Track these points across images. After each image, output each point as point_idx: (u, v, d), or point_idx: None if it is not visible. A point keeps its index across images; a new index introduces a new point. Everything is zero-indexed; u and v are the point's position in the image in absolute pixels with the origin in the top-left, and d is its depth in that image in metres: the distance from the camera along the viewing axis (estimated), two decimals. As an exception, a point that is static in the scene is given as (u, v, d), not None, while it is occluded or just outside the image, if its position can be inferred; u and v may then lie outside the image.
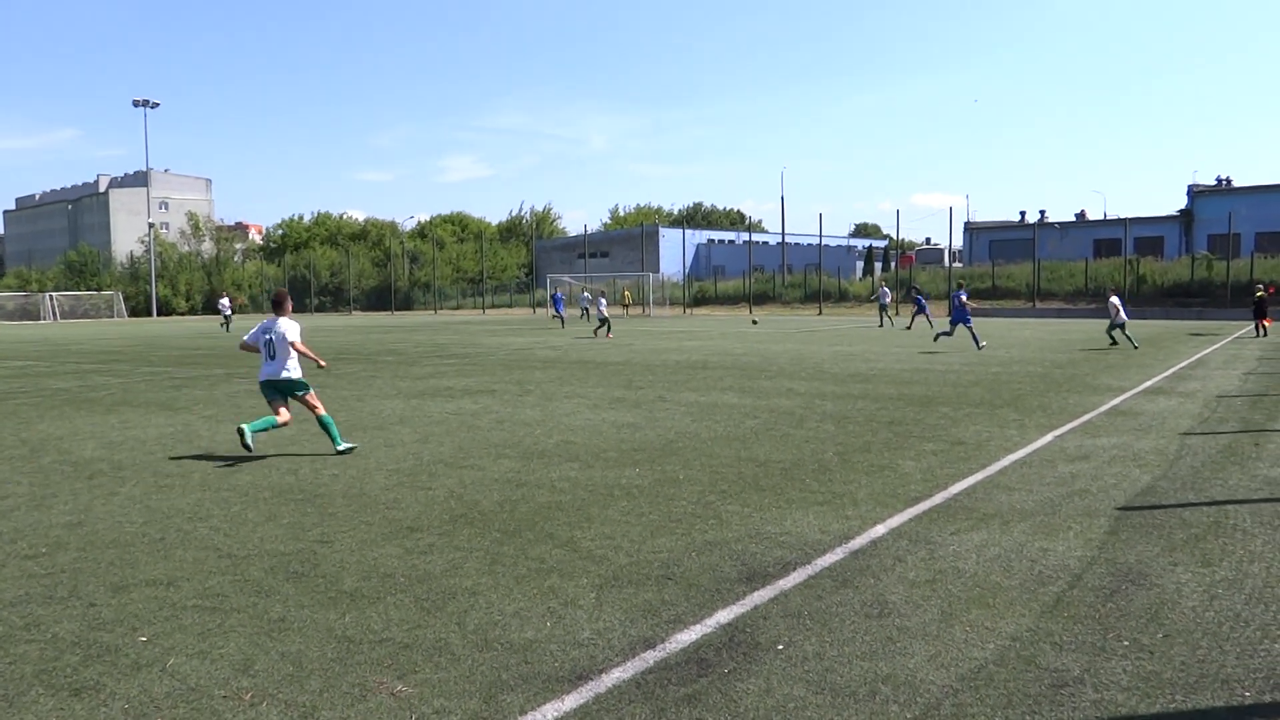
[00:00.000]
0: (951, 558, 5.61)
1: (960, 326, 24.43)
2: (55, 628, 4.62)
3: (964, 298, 24.29)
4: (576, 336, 31.96)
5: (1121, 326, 23.97)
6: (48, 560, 5.78)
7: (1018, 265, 60.43)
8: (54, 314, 72.42)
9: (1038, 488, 7.51)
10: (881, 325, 37.78)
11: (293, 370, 9.35)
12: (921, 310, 33.78)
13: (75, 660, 4.22)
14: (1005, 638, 4.36)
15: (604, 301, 33.61)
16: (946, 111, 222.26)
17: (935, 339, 25.75)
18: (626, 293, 62.99)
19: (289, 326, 9.39)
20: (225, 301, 46.35)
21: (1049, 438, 9.91)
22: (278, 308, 9.61)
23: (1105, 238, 67.38)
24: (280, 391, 9.38)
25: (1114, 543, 5.90)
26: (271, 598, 5.03)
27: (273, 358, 9.33)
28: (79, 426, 11.56)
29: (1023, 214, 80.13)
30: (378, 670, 4.07)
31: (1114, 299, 24.32)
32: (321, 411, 9.52)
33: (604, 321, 32.27)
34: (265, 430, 9.16)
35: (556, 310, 37.46)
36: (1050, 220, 74.61)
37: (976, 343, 23.38)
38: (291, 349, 9.32)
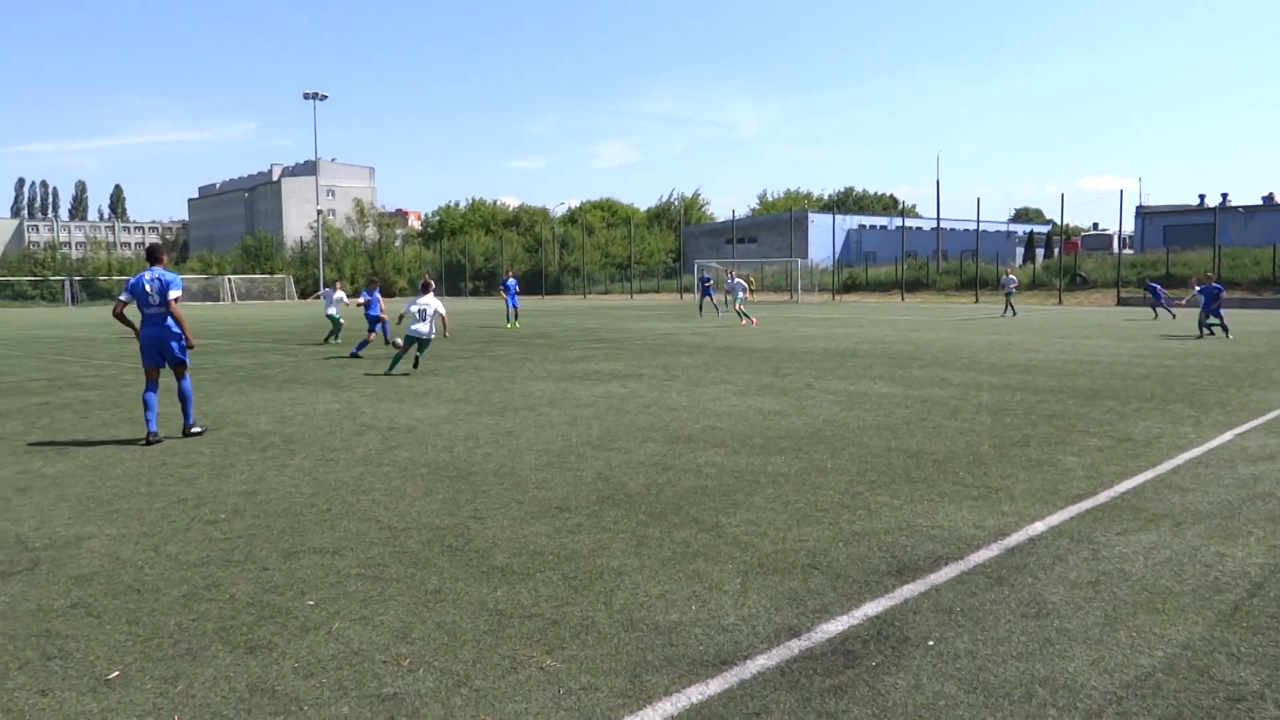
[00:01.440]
0: (1117, 559, 5.33)
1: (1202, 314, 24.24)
2: (233, 589, 4.95)
3: (1216, 289, 24.11)
4: (719, 325, 31.88)
5: (1217, 312, 23.34)
6: (226, 526, 6.19)
7: (1195, 252, 56.48)
8: (232, 295, 77.32)
9: (1214, 489, 7.04)
10: (1004, 315, 35.91)
11: (432, 333, 15.27)
12: (1159, 300, 33.24)
13: (250, 620, 4.50)
14: (1175, 646, 4.11)
15: (743, 285, 33.42)
16: (1118, 89, 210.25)
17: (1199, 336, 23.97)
18: (751, 278, 62.05)
19: (440, 303, 15.26)
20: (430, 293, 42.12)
21: (1228, 436, 9.27)
22: (425, 290, 15.45)
23: (1296, 222, 62.33)
24: (422, 345, 15.19)
25: (1301, 550, 5.48)
26: (428, 569, 5.23)
27: (423, 320, 15.09)
28: (254, 401, 12.31)
29: (1202, 198, 74.93)
30: (527, 644, 4.18)
31: (1203, 287, 23.83)
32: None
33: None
34: (397, 363, 15.22)
35: (707, 295, 37.00)
36: (1233, 204, 69.55)
37: (1200, 330, 23.64)
38: (441, 319, 15.35)
